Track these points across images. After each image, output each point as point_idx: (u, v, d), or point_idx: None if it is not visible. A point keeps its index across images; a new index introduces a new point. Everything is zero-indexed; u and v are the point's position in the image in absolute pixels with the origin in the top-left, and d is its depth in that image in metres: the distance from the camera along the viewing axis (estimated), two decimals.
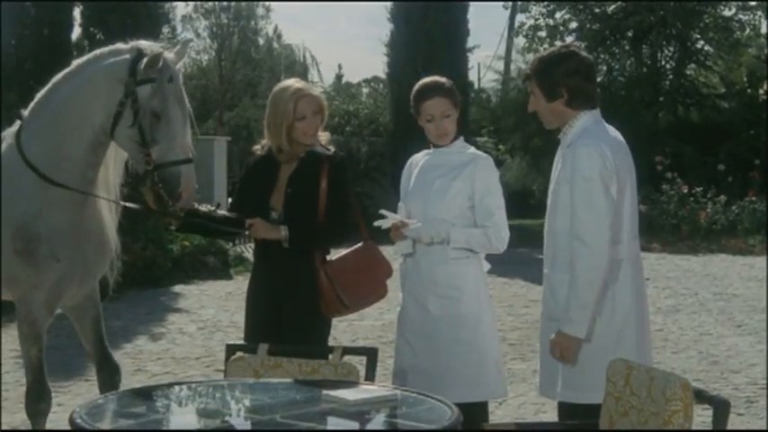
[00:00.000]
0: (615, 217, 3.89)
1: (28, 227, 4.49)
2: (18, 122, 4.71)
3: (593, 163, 3.83)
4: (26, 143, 4.56)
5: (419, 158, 4.57)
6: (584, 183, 3.83)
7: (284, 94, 4.47)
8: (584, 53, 4.09)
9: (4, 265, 4.56)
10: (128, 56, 4.42)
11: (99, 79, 4.43)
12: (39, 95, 4.65)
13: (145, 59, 4.34)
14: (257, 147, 4.68)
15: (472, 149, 4.49)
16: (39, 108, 4.60)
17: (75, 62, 4.60)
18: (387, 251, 4.48)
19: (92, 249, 4.66)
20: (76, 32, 18.43)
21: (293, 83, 4.57)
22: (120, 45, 4.53)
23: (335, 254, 4.57)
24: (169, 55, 4.39)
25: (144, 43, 4.44)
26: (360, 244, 4.58)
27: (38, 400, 4.65)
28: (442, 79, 4.49)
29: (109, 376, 4.84)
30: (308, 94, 4.48)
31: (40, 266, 4.49)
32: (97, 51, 4.53)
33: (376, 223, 4.38)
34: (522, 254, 13.19)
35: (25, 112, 4.67)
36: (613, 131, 4.06)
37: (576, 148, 3.88)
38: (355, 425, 3.20)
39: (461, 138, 4.52)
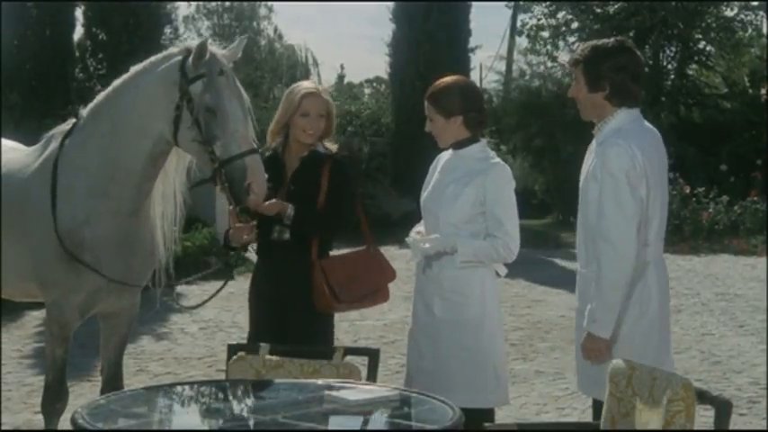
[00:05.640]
0: (643, 219, 3.87)
1: (74, 233, 4.44)
2: (72, 121, 4.63)
3: (622, 163, 3.80)
4: (80, 148, 4.49)
5: (443, 158, 4.54)
6: (613, 182, 3.81)
7: (294, 90, 4.60)
8: (637, 52, 4.04)
9: (44, 268, 4.53)
10: (179, 57, 4.34)
11: (154, 88, 4.35)
12: (99, 98, 4.56)
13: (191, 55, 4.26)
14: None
15: (491, 156, 4.43)
16: (97, 115, 4.52)
17: (133, 68, 4.50)
18: (391, 251, 4.49)
19: (138, 260, 4.61)
20: (78, 32, 18.45)
21: (307, 83, 4.72)
22: (172, 49, 4.46)
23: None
24: (215, 48, 4.32)
25: (193, 42, 4.37)
26: (362, 248, 4.63)
27: (56, 400, 4.67)
28: (442, 82, 4.45)
29: None
30: (315, 94, 4.55)
31: (80, 273, 4.44)
32: (153, 58, 4.45)
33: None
34: (524, 254, 13.08)
35: (83, 112, 4.58)
36: (650, 130, 4.03)
37: (607, 148, 3.86)
38: (357, 425, 3.20)
39: (482, 141, 4.49)
